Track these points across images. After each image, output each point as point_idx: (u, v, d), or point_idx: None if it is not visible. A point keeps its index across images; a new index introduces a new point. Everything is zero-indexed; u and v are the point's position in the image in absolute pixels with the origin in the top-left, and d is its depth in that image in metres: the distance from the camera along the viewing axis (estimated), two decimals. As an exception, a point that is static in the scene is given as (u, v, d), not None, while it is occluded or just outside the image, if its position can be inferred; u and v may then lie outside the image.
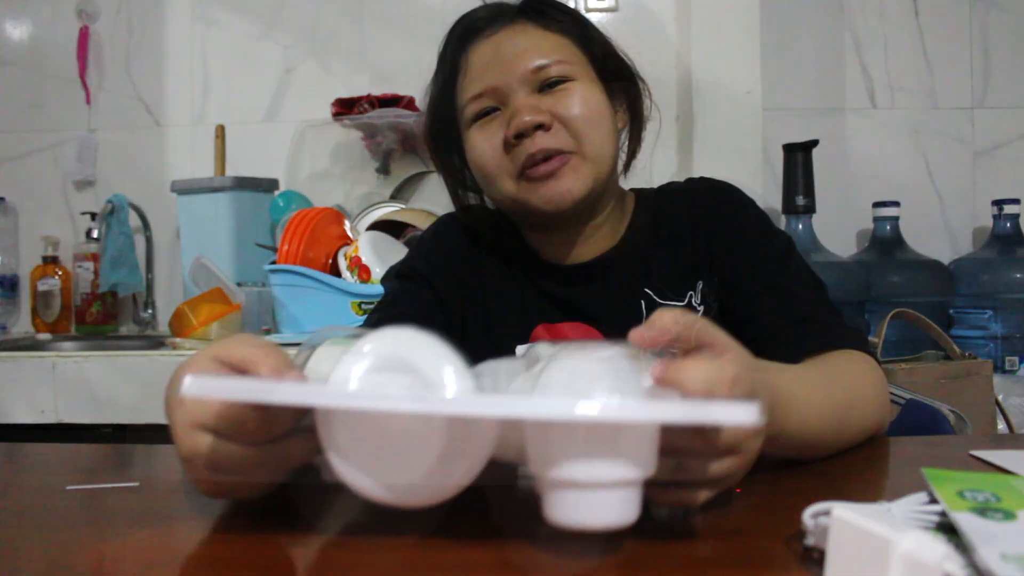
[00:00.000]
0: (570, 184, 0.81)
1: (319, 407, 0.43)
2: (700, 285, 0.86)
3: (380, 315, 0.88)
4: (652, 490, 0.43)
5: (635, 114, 0.90)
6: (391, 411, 0.39)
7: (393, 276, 0.93)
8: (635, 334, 0.46)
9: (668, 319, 0.46)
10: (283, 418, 0.45)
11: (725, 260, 0.85)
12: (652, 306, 0.85)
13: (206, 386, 0.40)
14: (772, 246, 0.86)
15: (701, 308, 0.85)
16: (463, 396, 0.42)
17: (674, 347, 0.47)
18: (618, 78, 0.88)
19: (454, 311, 0.90)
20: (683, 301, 0.86)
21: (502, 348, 0.63)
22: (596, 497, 0.40)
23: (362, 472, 0.42)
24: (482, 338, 0.89)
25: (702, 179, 0.94)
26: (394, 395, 0.40)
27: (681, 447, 0.44)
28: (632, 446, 0.40)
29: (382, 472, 0.42)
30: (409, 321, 0.55)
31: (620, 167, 0.90)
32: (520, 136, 0.80)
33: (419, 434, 0.41)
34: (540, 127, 0.80)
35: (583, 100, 0.82)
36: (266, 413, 0.44)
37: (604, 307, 0.87)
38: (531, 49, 0.83)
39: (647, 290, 0.86)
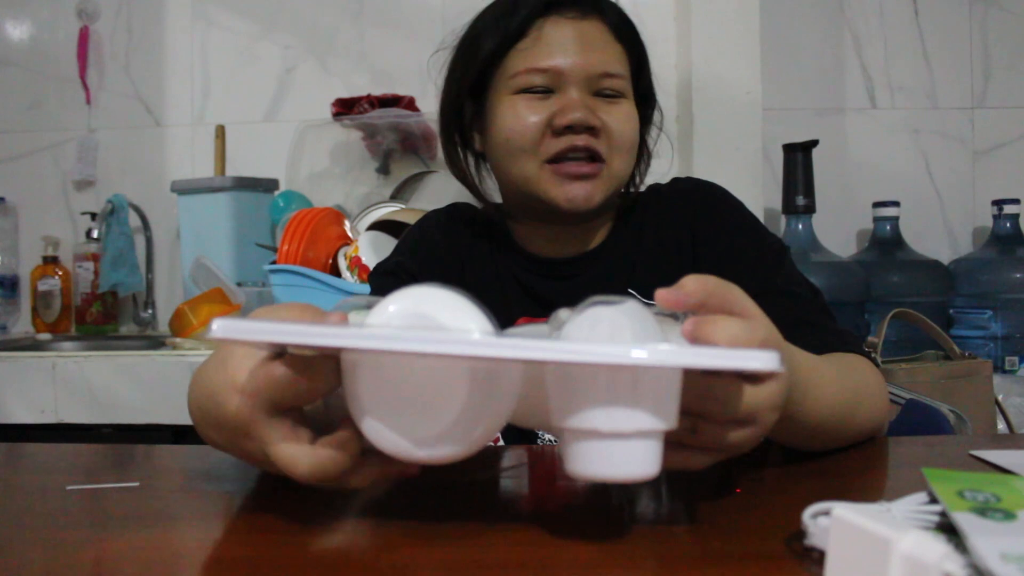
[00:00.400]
0: (593, 191, 0.83)
1: (345, 349, 0.42)
2: None
3: None
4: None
5: (641, 145, 0.91)
6: (418, 351, 0.38)
7: (379, 273, 0.93)
8: (661, 295, 0.45)
9: (696, 283, 0.45)
10: (328, 369, 0.44)
11: (715, 260, 0.85)
12: None
13: (233, 327, 0.40)
14: (766, 248, 0.86)
15: None
16: (490, 337, 0.41)
17: (699, 312, 0.46)
18: (645, 109, 0.91)
19: None
20: None
21: None
22: (618, 447, 0.40)
23: (388, 426, 0.42)
24: None
25: (688, 179, 0.94)
26: (422, 336, 0.39)
27: (700, 410, 0.44)
28: (654, 394, 0.40)
29: (408, 423, 0.42)
30: None
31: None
32: (568, 129, 0.81)
33: (445, 377, 0.41)
34: (590, 129, 0.81)
35: (630, 121, 0.85)
36: (313, 364, 0.43)
37: None
38: (606, 53, 0.84)
39: (631, 290, 0.86)
